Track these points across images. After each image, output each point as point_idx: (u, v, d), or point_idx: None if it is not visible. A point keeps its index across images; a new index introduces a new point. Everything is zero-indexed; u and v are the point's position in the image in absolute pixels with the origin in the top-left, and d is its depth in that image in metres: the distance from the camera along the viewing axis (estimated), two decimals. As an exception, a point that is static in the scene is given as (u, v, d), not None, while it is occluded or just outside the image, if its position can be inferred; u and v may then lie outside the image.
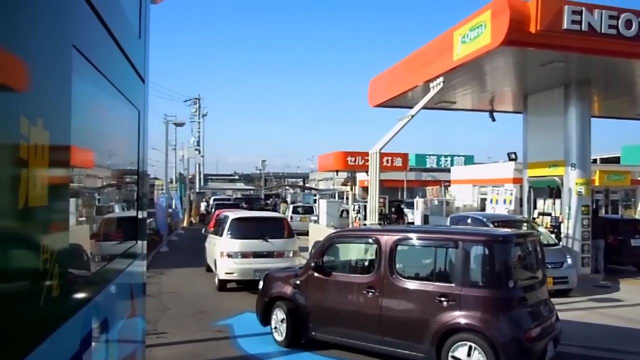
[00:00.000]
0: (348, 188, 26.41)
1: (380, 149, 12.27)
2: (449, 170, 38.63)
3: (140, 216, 3.29)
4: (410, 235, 6.29)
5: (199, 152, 46.66)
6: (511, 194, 19.09)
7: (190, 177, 44.20)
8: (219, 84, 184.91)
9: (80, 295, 1.96)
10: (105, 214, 2.63)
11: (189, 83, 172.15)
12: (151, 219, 22.20)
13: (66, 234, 1.74)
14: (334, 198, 46.86)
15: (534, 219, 13.54)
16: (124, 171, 2.98)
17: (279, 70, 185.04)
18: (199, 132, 54.48)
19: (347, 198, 32.77)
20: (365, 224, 15.02)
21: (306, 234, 20.06)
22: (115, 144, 2.67)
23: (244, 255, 11.21)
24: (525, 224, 11.99)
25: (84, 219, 2.16)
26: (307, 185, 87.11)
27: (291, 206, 29.00)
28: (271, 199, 51.58)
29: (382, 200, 18.24)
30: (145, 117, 3.32)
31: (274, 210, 38.88)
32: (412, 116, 12.21)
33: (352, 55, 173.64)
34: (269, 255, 11.31)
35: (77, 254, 2.01)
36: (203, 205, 38.89)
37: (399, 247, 6.14)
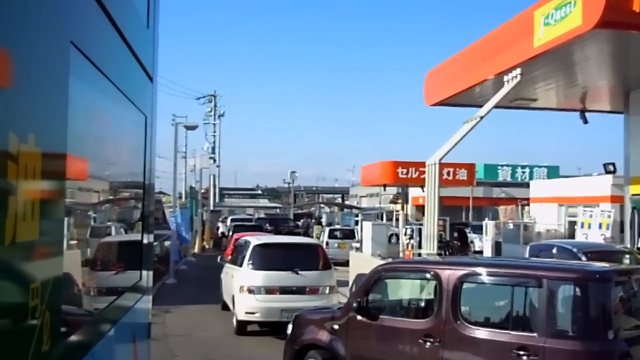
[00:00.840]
0: (398, 207, 26.20)
1: (441, 159, 12.17)
2: (527, 185, 37.95)
3: (145, 240, 3.33)
4: (479, 269, 6.18)
5: (214, 160, 47.48)
6: (609, 217, 18.58)
7: (203, 191, 44.87)
8: (239, 79, 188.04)
9: (74, 348, 1.96)
10: (103, 236, 2.67)
11: (203, 77, 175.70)
12: (155, 243, 22.57)
13: (57, 268, 1.74)
14: (381, 219, 46.75)
15: (638, 249, 13.14)
16: (128, 185, 3.04)
17: (312, 65, 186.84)
18: (214, 136, 55.45)
19: (397, 219, 32.58)
20: (420, 254, 14.83)
21: (346, 264, 19.94)
22: (118, 154, 2.73)
23: (269, 290, 11.26)
24: (627, 256, 11.63)
25: (76, 242, 2.19)
26: (346, 202, 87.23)
27: (327, 229, 29.01)
28: (302, 220, 51.71)
29: (441, 223, 17.98)
30: (153, 123, 3.38)
31: (306, 234, 38.99)
32: (481, 117, 12.09)
33: (400, 48, 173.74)
34: (299, 291, 11.33)
35: (69, 295, 2.01)
36: (221, 226, 39.31)
37: (465, 285, 6.03)
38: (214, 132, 55.67)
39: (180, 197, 39.58)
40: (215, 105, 56.42)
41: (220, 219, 42.67)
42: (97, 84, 2.22)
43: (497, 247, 24.13)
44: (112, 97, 2.52)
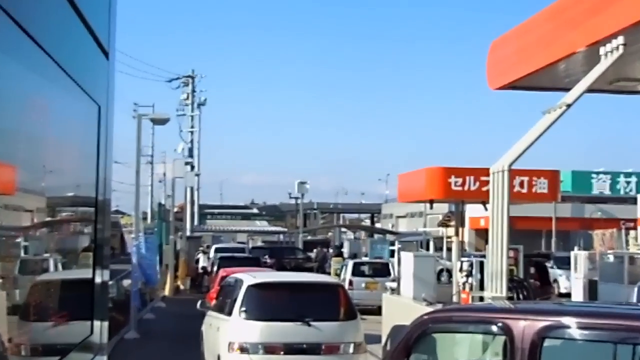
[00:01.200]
0: (451, 231, 26.10)
1: (511, 164, 12.13)
2: (634, 201, 37.64)
3: (98, 278, 3.33)
4: (567, 320, 6.11)
5: (192, 167, 47.74)
6: None
7: (176, 210, 45.05)
8: (227, 55, 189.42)
9: None
10: (37, 273, 2.68)
11: (176, 52, 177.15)
12: (110, 282, 22.59)
13: None
14: (426, 249, 46.62)
15: None
16: (73, 201, 3.04)
17: (328, 42, 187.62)
18: (192, 133, 55.82)
19: (450, 249, 32.46)
20: (482, 298, 14.72)
21: (377, 312, 19.84)
22: (59, 159, 2.74)
23: (269, 349, 11.28)
24: None
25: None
26: (377, 225, 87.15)
27: (350, 263, 28.97)
28: (316, 250, 51.75)
29: (512, 254, 17.86)
30: (109, 115, 3.39)
31: (321, 269, 38.99)
32: (568, 106, 12.04)
33: (449, 11, 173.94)
34: (312, 350, 11.34)
35: None
36: (201, 258, 39.51)
37: (547, 342, 5.97)
38: (192, 127, 56.02)
39: (145, 218, 39.74)
40: (193, 91, 56.80)
41: (201, 248, 42.81)
42: (27, 58, 2.23)
43: (592, 288, 23.92)
44: (51, 79, 2.53)
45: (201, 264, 38.80)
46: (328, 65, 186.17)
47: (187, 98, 56.10)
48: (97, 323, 3.29)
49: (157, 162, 73.93)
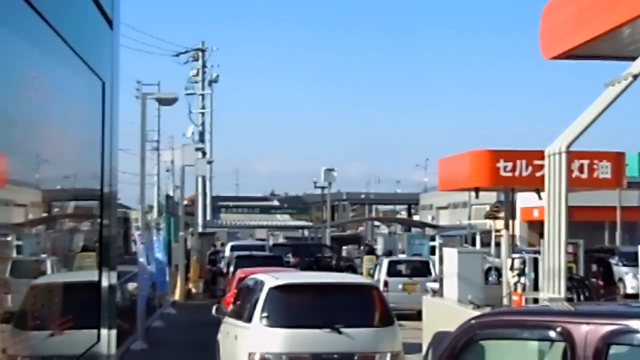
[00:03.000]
0: (500, 224, 26.00)
1: (569, 145, 12.07)
2: None
3: (105, 281, 3.35)
4: (636, 323, 6.09)
5: (204, 154, 47.80)
6: None
7: (187, 203, 45.26)
8: (242, 27, 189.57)
9: None
10: (34, 276, 2.69)
11: (185, 22, 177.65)
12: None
13: None
14: (472, 244, 46.42)
15: None
16: (75, 194, 3.05)
17: (357, 13, 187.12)
18: (203, 114, 55.94)
19: (499, 244, 32.31)
20: (537, 300, 14.67)
21: (417, 317, 19.85)
22: (58, 146, 2.75)
23: None
24: None
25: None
26: (416, 218, 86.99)
27: (385, 261, 29.00)
28: (346, 247, 51.79)
29: (572, 249, 17.78)
30: (115, 93, 3.39)
31: (351, 268, 39.00)
32: (635, 77, 11.96)
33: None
34: (343, 360, 11.36)
35: None
36: (217, 257, 39.65)
37: (614, 350, 5.96)
38: (203, 107, 56.15)
39: (150, 212, 39.91)
40: (204, 66, 56.88)
41: (215, 246, 43.01)
42: (19, 26, 2.22)
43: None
44: (48, 50, 2.52)
45: (217, 262, 38.98)
46: (355, 38, 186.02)
47: (197, 74, 56.17)
48: (104, 331, 3.31)
49: (164, 149, 74.62)
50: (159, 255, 24.94)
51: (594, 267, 23.51)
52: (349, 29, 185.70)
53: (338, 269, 36.49)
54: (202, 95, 56.20)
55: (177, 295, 32.33)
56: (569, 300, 13.21)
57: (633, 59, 12.79)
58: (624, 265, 32.62)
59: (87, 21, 3.02)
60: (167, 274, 27.38)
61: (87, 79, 3.00)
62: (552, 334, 6.36)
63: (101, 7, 3.12)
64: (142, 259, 21.47)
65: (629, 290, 31.06)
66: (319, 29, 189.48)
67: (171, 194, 53.56)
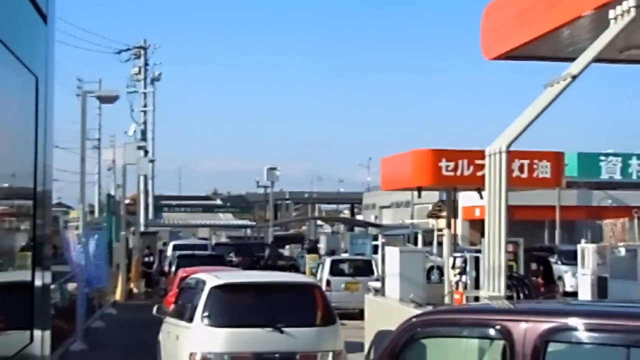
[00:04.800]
0: (442, 223, 26.19)
1: (509, 144, 12.18)
2: (648, 187, 38.08)
3: (38, 281, 3.30)
4: (574, 321, 6.16)
5: (146, 152, 47.41)
6: None
7: (128, 202, 44.91)
8: (185, 24, 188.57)
9: None
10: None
11: (126, 20, 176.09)
12: (52, 286, 22.43)
13: None
14: (414, 244, 46.72)
15: None
16: (7, 193, 3.01)
17: (301, 11, 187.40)
18: (144, 113, 55.56)
19: (441, 243, 32.55)
20: (478, 298, 14.80)
21: (359, 316, 19.91)
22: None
23: (237, 359, 11.30)
24: None
25: None
26: (359, 217, 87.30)
27: (328, 260, 29.03)
28: (289, 246, 51.79)
29: (512, 247, 17.97)
30: (49, 89, 3.35)
31: (293, 267, 39.02)
32: (574, 78, 12.10)
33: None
34: None
35: None
36: (155, 257, 39.35)
37: (552, 347, 6.02)
38: (145, 106, 55.77)
39: (92, 212, 39.56)
40: (146, 64, 56.53)
41: (149, 247, 42.51)
42: None
43: (601, 286, 24.12)
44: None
45: (157, 261, 38.67)
46: (298, 39, 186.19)
47: (139, 72, 55.77)
48: (37, 331, 3.27)
49: (105, 147, 74.00)
50: (94, 251, 24.74)
51: (534, 266, 23.81)
52: (292, 26, 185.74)
53: (281, 268, 36.49)
54: (144, 93, 55.81)
55: (117, 295, 32.07)
56: (509, 298, 13.35)
57: (572, 59, 12.94)
58: (563, 263, 33.12)
59: (19, 15, 2.98)
60: (103, 269, 27.13)
61: (19, 74, 2.96)
62: (491, 332, 6.40)
63: (35, 2, 3.08)
64: (79, 260, 21.23)
65: (568, 288, 31.51)
66: (262, 27, 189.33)
67: (112, 193, 53.15)
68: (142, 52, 56.04)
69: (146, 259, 38.71)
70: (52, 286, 22.37)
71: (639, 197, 43.93)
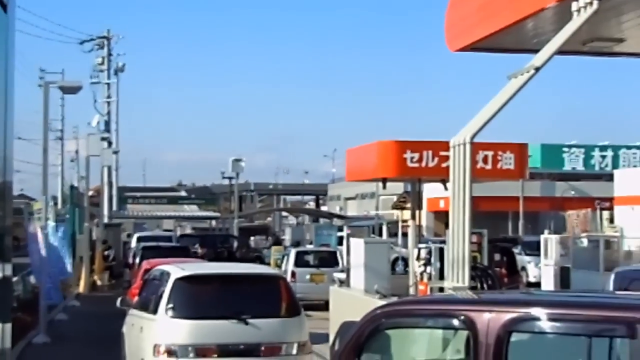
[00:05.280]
0: (407, 215, 26.28)
1: (473, 136, 12.23)
2: (610, 177, 38.45)
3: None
4: (537, 311, 6.21)
5: (110, 143, 47.20)
6: None
7: (92, 194, 44.62)
8: (149, 13, 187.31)
9: None
10: None
11: (89, 11, 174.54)
12: (15, 278, 22.24)
13: None
14: (379, 235, 46.81)
15: None
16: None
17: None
18: (108, 103, 55.15)
19: (406, 234, 32.66)
20: (442, 289, 14.86)
21: (324, 307, 19.94)
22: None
23: (201, 352, 11.27)
24: None
25: None
26: (324, 208, 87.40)
27: (293, 251, 29.06)
28: (254, 237, 51.73)
29: (476, 239, 18.05)
30: (9, 77, 3.31)
31: (258, 259, 38.98)
32: (537, 69, 12.17)
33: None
34: (250, 351, 11.38)
35: None
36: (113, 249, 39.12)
37: (515, 337, 6.06)
38: (109, 96, 55.37)
39: (55, 204, 39.30)
40: (109, 54, 56.10)
41: (105, 242, 42.18)
42: None
43: (564, 276, 24.37)
44: None
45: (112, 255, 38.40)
46: (263, 28, 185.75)
47: (103, 63, 55.32)
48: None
49: (69, 138, 73.53)
50: (56, 243, 24.59)
51: (498, 257, 23.94)
52: (258, 17, 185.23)
53: (246, 260, 36.44)
54: (108, 84, 55.36)
55: (81, 288, 31.92)
56: (473, 288, 13.42)
57: (536, 51, 13.02)
58: (527, 254, 33.33)
59: None
60: (66, 260, 26.97)
61: None
62: (455, 322, 6.43)
63: None
64: (42, 252, 21.08)
65: (531, 279, 31.75)
66: (226, 17, 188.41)
67: (76, 184, 52.74)
68: (106, 42, 55.60)
69: (105, 253, 38.44)
70: (15, 278, 22.20)
71: (601, 188, 44.27)
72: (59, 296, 21.30)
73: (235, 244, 43.69)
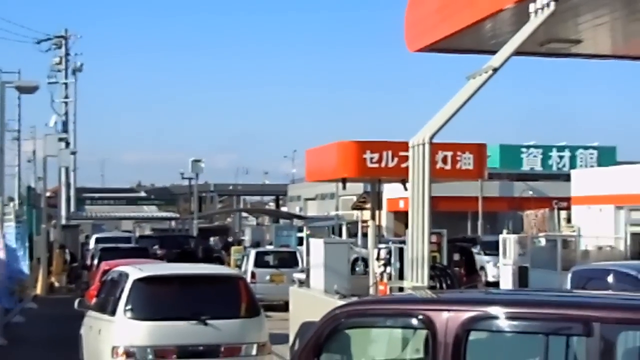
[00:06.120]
0: (366, 215, 26.33)
1: (432, 136, 12.28)
2: (567, 178, 38.82)
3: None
4: (495, 310, 6.25)
5: (67, 144, 46.81)
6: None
7: (49, 194, 44.19)
8: (107, 12, 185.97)
9: None
10: None
11: (46, 10, 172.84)
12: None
13: None
14: (339, 235, 46.91)
15: None
16: None
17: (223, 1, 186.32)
18: (66, 104, 54.66)
19: (365, 235, 32.74)
20: (402, 288, 14.91)
21: (284, 308, 19.93)
22: None
23: (161, 353, 11.24)
24: None
25: None
26: (283, 209, 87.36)
27: (253, 252, 29.01)
28: (213, 239, 51.54)
29: (435, 238, 18.14)
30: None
31: (218, 260, 38.83)
32: (495, 70, 12.25)
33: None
34: (210, 353, 11.36)
35: None
36: (92, 251, 38.71)
37: (473, 335, 6.10)
38: (66, 97, 54.91)
39: (11, 204, 38.84)
40: (67, 54, 55.66)
41: (79, 238, 42.04)
42: None
43: (522, 275, 24.59)
44: None
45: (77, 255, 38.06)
46: (221, 28, 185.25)
47: (60, 62, 54.86)
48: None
49: (26, 139, 72.57)
50: (11, 243, 24.32)
51: (457, 256, 24.09)
52: (216, 17, 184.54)
53: (205, 260, 36.30)
54: (66, 84, 54.88)
55: (38, 289, 31.64)
56: (432, 288, 13.48)
57: (494, 52, 13.09)
58: (486, 254, 33.55)
59: None
60: (22, 262, 26.72)
61: None
62: (414, 321, 6.45)
63: None
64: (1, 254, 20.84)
65: (490, 278, 31.94)
66: (184, 18, 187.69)
67: (33, 185, 52.23)
68: (63, 41, 55.12)
69: (66, 258, 38.08)
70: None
71: (558, 188, 44.60)
72: (9, 301, 21.03)
73: (200, 244, 43.53)
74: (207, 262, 32.35)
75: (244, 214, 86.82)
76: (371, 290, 19.61)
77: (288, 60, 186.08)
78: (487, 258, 33.33)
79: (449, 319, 6.18)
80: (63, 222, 45.99)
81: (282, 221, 58.69)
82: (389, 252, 19.65)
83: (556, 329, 5.87)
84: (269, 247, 34.74)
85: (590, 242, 27.19)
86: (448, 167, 21.91)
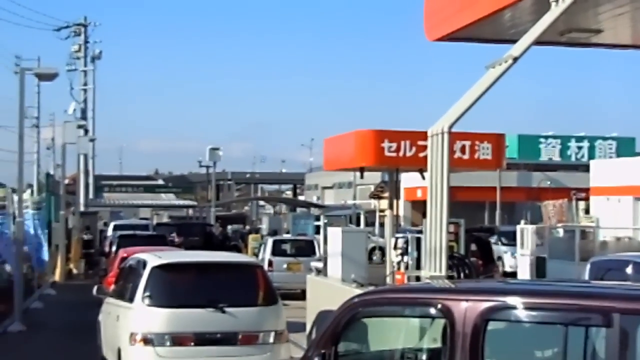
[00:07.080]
0: (384, 204, 26.32)
1: (451, 125, 12.25)
2: (586, 168, 38.65)
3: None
4: (513, 300, 6.24)
5: (86, 131, 46.97)
6: None
7: (68, 182, 44.38)
8: (125, 3, 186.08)
9: None
10: None
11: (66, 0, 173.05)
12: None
13: None
14: (357, 224, 46.91)
15: None
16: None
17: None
18: (85, 91, 54.85)
19: (383, 224, 32.72)
20: (419, 278, 14.91)
21: (301, 297, 19.94)
22: None
23: (178, 340, 11.25)
24: None
25: None
26: (301, 198, 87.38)
27: (270, 241, 29.02)
28: (231, 227, 51.62)
29: (453, 228, 18.12)
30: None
31: (235, 248, 38.90)
32: (515, 60, 12.19)
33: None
34: (227, 340, 11.38)
35: None
36: (89, 236, 38.97)
37: (491, 326, 6.09)
38: (85, 84, 55.08)
39: (30, 192, 39.02)
40: (86, 42, 55.80)
41: (86, 228, 42.00)
42: None
43: (540, 266, 24.48)
44: None
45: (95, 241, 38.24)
46: (239, 16, 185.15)
47: (79, 50, 54.98)
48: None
49: (45, 126, 72.87)
50: (33, 231, 24.45)
51: (474, 246, 24.05)
52: (234, 6, 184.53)
53: (223, 248, 36.37)
54: (85, 71, 55.03)
55: (57, 276, 31.78)
56: (450, 278, 13.46)
57: (514, 41, 13.03)
58: (503, 244, 33.47)
59: None
60: (43, 251, 26.92)
61: None
62: (432, 310, 6.44)
63: None
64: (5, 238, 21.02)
65: (507, 269, 31.86)
66: (204, 6, 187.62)
67: (52, 172, 52.46)
68: (82, 29, 55.25)
69: (85, 237, 38.35)
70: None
71: (577, 179, 44.52)
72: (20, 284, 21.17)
73: (213, 232, 43.57)
74: (225, 250, 32.48)
75: (261, 203, 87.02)
76: (388, 280, 19.63)
77: (307, 49, 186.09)
78: (504, 248, 33.25)
79: (467, 308, 6.17)
80: (81, 209, 46.16)
81: (299, 210, 58.82)
82: (406, 242, 19.66)
83: (575, 320, 5.85)
84: (287, 236, 34.75)
85: (608, 233, 27.10)
86: (466, 156, 21.89)
